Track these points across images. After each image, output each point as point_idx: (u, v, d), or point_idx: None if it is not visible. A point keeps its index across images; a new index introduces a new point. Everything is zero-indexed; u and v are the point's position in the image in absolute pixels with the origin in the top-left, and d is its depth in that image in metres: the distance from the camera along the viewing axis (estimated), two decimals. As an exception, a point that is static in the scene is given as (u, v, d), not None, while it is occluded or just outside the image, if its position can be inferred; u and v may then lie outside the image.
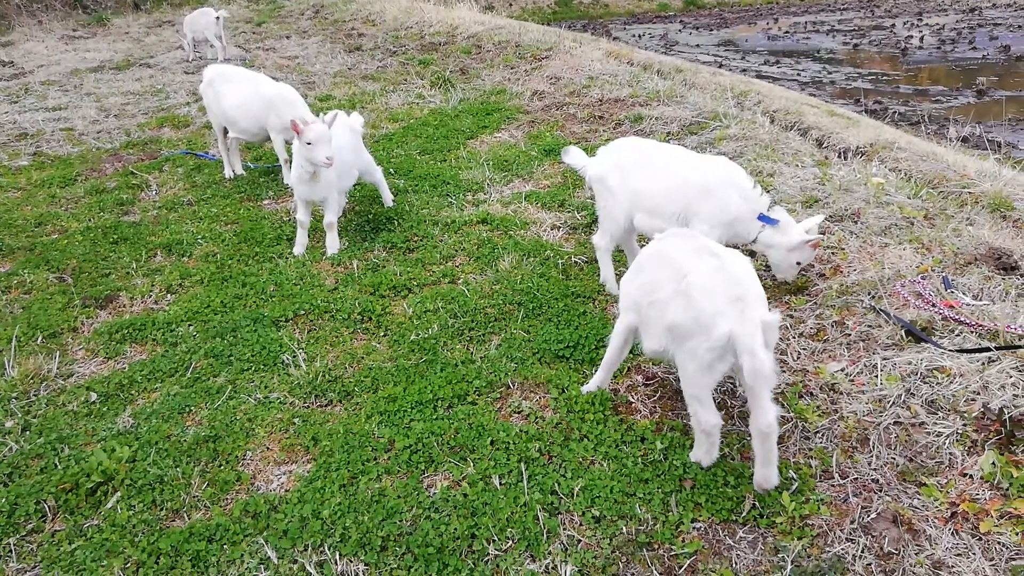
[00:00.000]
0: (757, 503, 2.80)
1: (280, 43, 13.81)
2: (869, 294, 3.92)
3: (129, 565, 2.71)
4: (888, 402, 3.19)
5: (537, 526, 2.77)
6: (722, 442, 3.00)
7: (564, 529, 2.77)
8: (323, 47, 13.12)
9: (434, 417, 3.41)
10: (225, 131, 6.58)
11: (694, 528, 2.76)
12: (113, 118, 9.19)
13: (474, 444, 3.21)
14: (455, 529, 2.76)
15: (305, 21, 15.93)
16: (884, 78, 13.83)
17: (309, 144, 4.66)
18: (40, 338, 4.29)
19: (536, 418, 3.39)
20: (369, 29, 14.12)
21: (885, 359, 3.43)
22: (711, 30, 20.60)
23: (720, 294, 2.72)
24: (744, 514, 2.78)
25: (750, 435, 2.80)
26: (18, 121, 9.10)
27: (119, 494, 3.04)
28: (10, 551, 2.81)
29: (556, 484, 2.95)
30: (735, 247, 3.31)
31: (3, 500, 3.03)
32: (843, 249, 4.39)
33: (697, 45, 18.35)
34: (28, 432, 3.50)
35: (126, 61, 12.89)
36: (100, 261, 5.25)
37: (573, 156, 4.40)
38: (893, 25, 19.45)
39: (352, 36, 13.78)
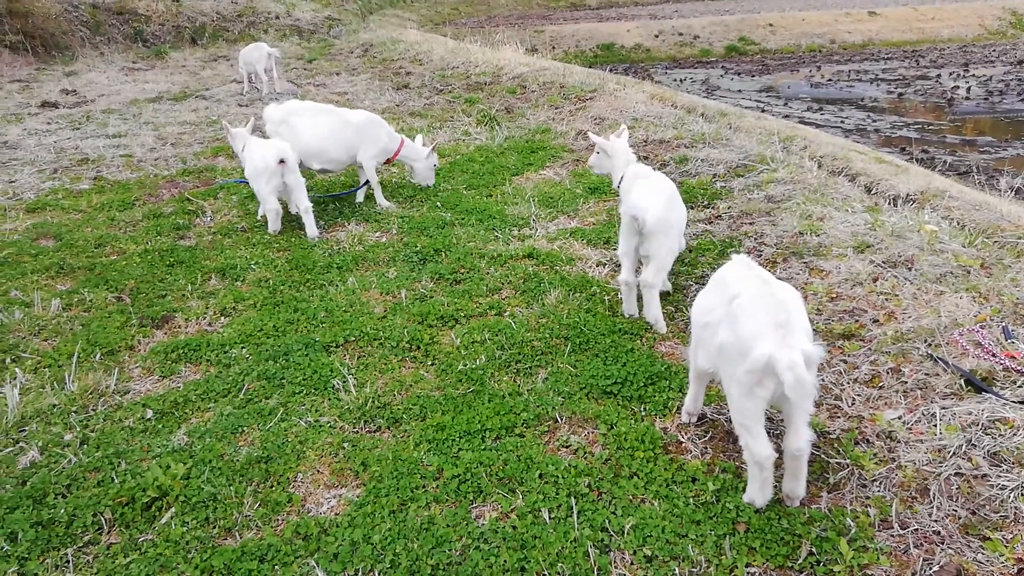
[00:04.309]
0: (814, 549, 2.74)
1: (330, 79, 14.22)
2: (926, 342, 3.86)
3: (182, 581, 2.74)
4: (948, 452, 3.11)
5: (588, 562, 2.74)
6: (776, 484, 2.95)
7: (615, 567, 2.73)
8: (372, 84, 13.47)
9: (482, 447, 3.41)
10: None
11: (748, 573, 2.70)
12: (170, 146, 9.50)
13: (523, 476, 3.20)
14: (505, 561, 2.75)
15: (354, 59, 16.40)
16: (930, 128, 13.73)
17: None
18: (99, 355, 4.41)
19: (585, 453, 3.37)
20: (416, 68, 14.48)
21: (944, 408, 3.36)
22: (753, 76, 20.70)
23: (763, 317, 2.74)
24: (800, 560, 2.72)
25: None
26: (80, 147, 9.47)
27: (173, 510, 3.09)
28: (67, 561, 2.86)
29: (606, 521, 2.92)
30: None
31: (62, 511, 3.09)
32: (897, 295, 4.34)
33: (739, 91, 18.45)
34: (86, 445, 3.58)
35: (183, 93, 13.38)
36: (157, 283, 5.40)
37: (635, 206, 4.15)
38: (938, 76, 19.34)
39: (400, 74, 14.14)
